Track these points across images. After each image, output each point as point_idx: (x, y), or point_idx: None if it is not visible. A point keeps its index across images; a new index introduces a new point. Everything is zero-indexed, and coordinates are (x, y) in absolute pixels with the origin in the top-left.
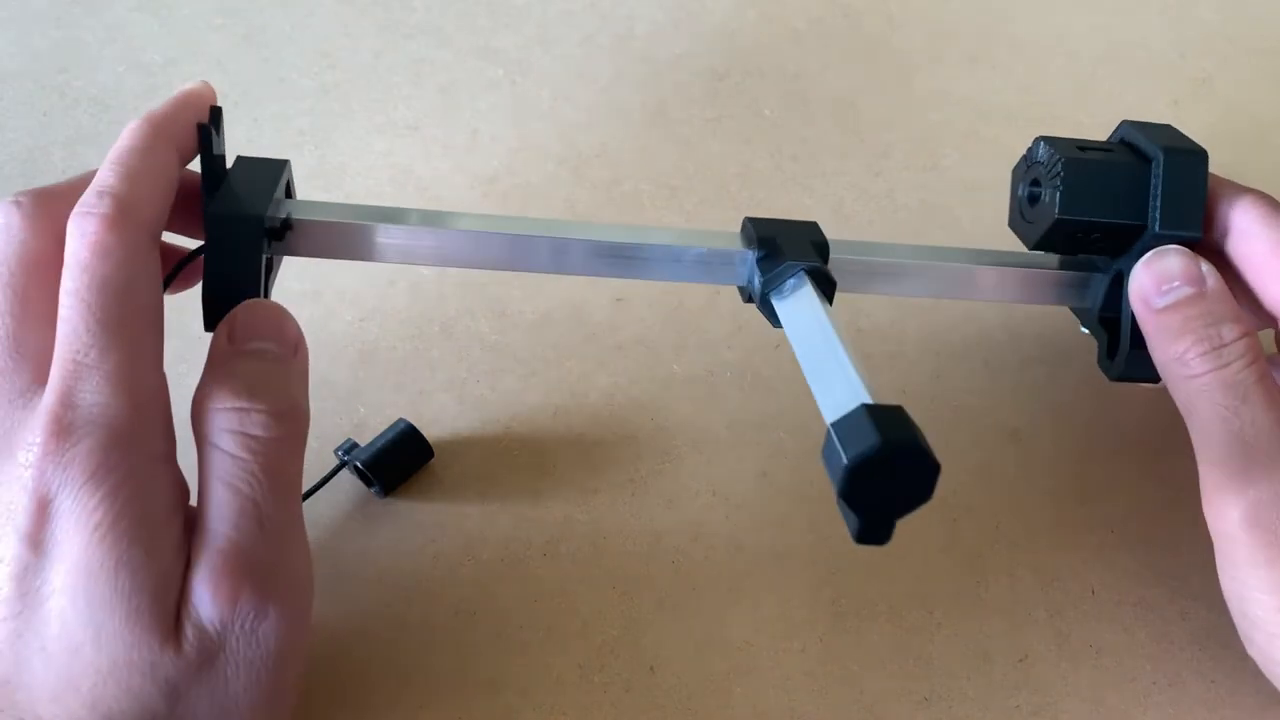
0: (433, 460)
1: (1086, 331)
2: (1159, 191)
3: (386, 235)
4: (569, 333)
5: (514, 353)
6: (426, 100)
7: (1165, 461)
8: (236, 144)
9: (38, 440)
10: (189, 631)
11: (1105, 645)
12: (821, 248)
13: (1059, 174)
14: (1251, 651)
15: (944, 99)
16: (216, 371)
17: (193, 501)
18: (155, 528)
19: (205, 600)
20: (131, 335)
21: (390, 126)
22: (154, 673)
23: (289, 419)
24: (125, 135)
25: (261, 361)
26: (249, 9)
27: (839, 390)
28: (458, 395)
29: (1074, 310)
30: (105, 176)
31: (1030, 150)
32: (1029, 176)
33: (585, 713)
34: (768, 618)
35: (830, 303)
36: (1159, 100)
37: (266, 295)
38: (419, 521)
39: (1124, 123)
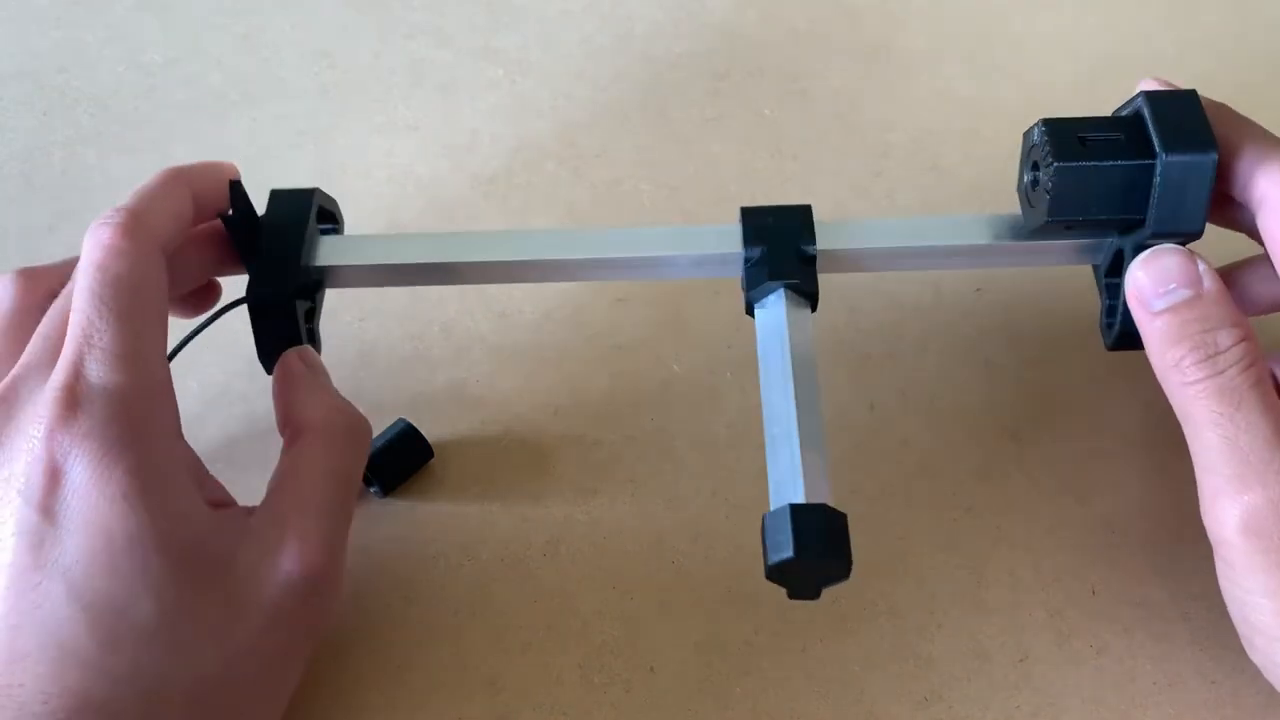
0: (433, 460)
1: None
2: (1158, 194)
3: (403, 270)
4: (569, 333)
5: (514, 353)
6: (426, 100)
7: (1165, 461)
8: (237, 143)
9: (47, 412)
10: (251, 589)
11: (1105, 645)
12: (808, 246)
13: (1050, 178)
14: (1254, 656)
15: (944, 99)
16: (316, 380)
17: (223, 485)
18: (179, 495)
19: (291, 561)
20: (138, 325)
21: (390, 126)
22: (213, 629)
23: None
24: (147, 177)
25: (333, 387)
26: (249, 9)
27: (781, 470)
28: (458, 395)
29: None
30: (123, 202)
31: (1033, 129)
32: (1029, 159)
33: (585, 713)
34: (768, 618)
35: (814, 308)
36: None
37: (313, 330)
38: (419, 521)
39: (1141, 94)
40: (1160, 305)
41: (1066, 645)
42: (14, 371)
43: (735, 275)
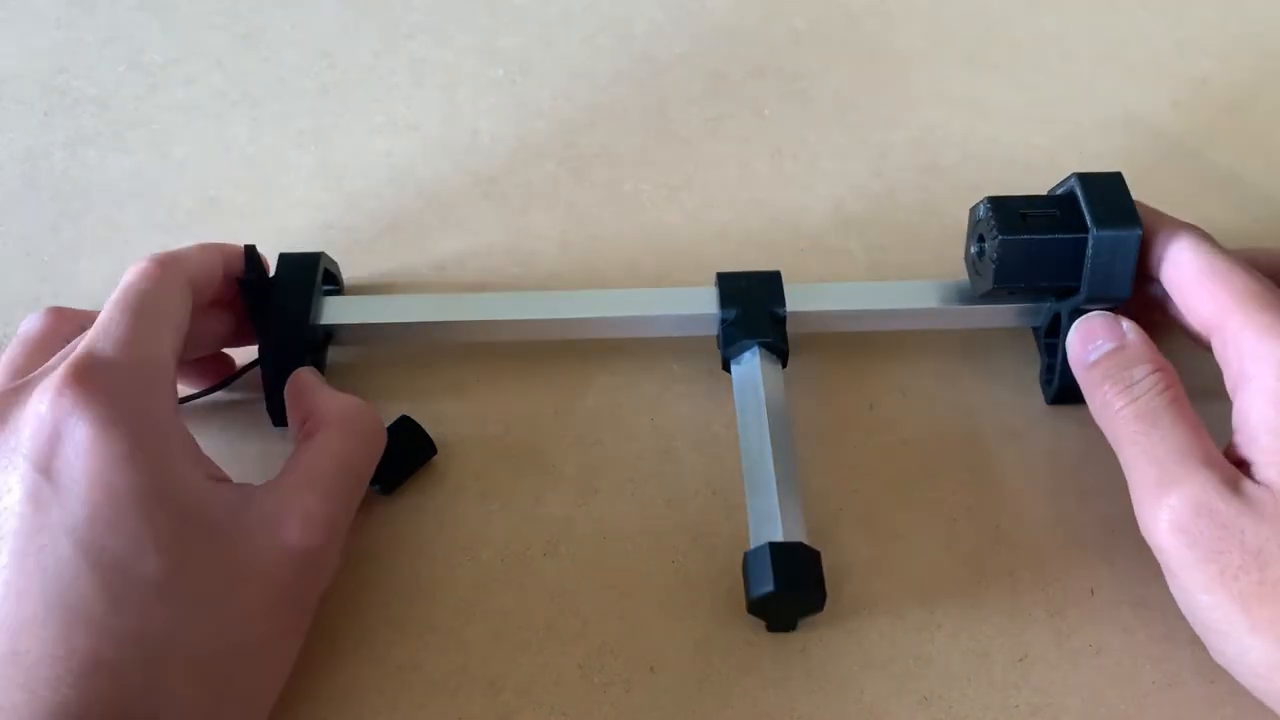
0: (434, 459)
1: None
2: (1090, 265)
3: (397, 329)
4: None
5: (514, 352)
6: (426, 100)
7: None
8: (237, 143)
9: (55, 381)
10: (252, 556)
11: (1105, 645)
12: (778, 308)
13: (995, 249)
14: (1216, 658)
15: (944, 99)
16: (331, 388)
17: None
18: (179, 461)
19: (293, 534)
20: (152, 324)
21: (390, 126)
22: (213, 592)
23: None
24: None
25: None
26: (249, 9)
27: (760, 512)
28: (458, 395)
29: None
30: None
31: (979, 206)
32: (976, 232)
33: (585, 713)
34: None
35: (785, 364)
36: (1159, 100)
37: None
38: (419, 521)
39: (1073, 175)
40: (1092, 358)
41: (1066, 645)
42: (33, 373)
43: (712, 333)
